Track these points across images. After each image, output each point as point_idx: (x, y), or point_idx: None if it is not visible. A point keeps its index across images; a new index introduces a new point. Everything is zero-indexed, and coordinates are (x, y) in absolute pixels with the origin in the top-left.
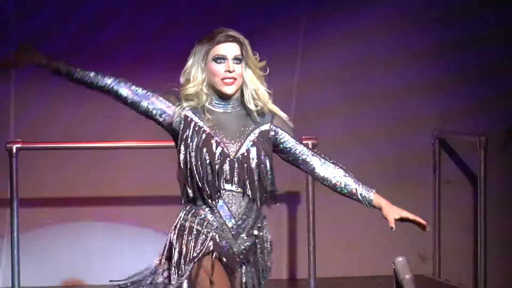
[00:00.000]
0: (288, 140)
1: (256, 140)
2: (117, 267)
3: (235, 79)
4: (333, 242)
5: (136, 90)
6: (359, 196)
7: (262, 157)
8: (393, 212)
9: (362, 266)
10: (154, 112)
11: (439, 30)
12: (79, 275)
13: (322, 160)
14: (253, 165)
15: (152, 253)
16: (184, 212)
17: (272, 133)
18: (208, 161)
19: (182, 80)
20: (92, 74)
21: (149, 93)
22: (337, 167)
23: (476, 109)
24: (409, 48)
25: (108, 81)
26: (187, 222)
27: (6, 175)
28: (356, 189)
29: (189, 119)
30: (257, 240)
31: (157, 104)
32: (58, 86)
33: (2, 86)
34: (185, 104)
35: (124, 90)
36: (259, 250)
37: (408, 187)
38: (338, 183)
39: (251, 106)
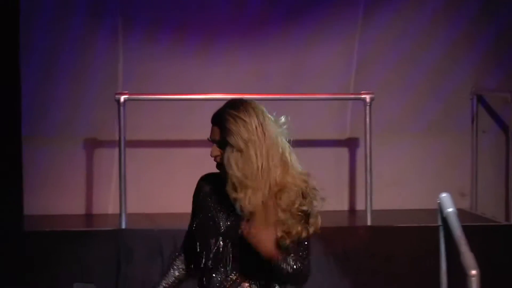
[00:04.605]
0: None
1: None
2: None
3: None
4: (386, 180)
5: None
6: None
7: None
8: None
9: (411, 200)
10: None
11: None
12: (168, 203)
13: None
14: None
15: None
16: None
17: None
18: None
19: None
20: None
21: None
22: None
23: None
24: (452, 13)
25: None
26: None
27: (115, 121)
28: None
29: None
30: None
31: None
32: (156, 45)
33: (112, 47)
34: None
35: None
36: None
37: (450, 135)
38: None
39: None
